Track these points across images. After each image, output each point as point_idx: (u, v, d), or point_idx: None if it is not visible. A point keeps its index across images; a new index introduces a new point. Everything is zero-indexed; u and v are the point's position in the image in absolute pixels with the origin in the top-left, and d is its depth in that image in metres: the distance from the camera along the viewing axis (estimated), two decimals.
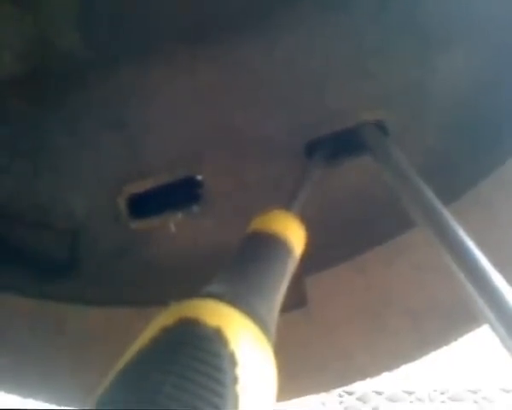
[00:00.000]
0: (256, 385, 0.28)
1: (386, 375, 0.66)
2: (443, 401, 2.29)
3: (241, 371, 0.27)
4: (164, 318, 0.29)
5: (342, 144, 0.57)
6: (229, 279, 0.35)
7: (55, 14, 0.48)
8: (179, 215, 0.60)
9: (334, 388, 0.68)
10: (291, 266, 0.41)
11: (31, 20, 0.48)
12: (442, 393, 2.30)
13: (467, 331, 0.63)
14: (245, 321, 0.30)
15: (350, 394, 2.33)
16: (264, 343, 0.30)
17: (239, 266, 0.38)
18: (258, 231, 0.41)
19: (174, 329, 0.28)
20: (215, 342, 0.27)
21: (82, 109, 0.55)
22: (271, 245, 0.40)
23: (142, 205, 0.60)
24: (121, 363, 0.27)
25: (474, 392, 2.28)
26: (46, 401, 0.66)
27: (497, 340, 0.33)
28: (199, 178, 0.59)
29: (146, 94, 0.53)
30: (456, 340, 0.63)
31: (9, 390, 0.66)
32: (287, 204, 0.46)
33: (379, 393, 2.33)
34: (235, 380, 0.26)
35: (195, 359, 0.26)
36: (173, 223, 0.61)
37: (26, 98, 0.53)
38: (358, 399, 2.33)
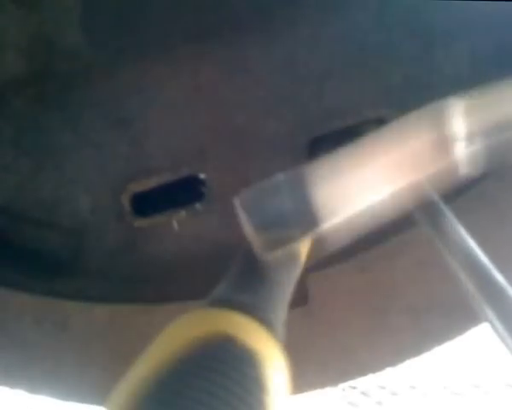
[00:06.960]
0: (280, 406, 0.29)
1: (389, 370, 0.67)
2: (445, 396, 2.29)
3: (269, 397, 0.28)
4: (193, 326, 0.30)
5: (344, 142, 0.57)
6: (251, 290, 0.36)
7: (59, 14, 0.49)
8: (182, 213, 0.60)
9: (337, 384, 0.69)
10: (298, 274, 0.41)
11: (34, 20, 0.48)
12: (445, 388, 2.30)
13: (469, 328, 0.63)
14: (276, 345, 0.31)
15: (353, 388, 2.33)
16: (284, 364, 0.31)
17: (257, 275, 0.38)
18: None
19: (210, 343, 0.29)
20: (252, 365, 0.28)
21: (85, 108, 0.55)
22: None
23: (146, 203, 0.60)
24: (148, 369, 0.27)
25: (477, 387, 2.28)
26: (51, 395, 0.67)
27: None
28: (202, 176, 0.59)
29: (149, 93, 0.53)
30: (459, 336, 0.64)
31: (15, 386, 0.66)
32: None
33: (382, 387, 2.33)
34: (263, 404, 0.27)
35: (232, 380, 0.27)
36: (176, 221, 0.61)
37: (30, 97, 0.53)
38: (362, 393, 2.33)
